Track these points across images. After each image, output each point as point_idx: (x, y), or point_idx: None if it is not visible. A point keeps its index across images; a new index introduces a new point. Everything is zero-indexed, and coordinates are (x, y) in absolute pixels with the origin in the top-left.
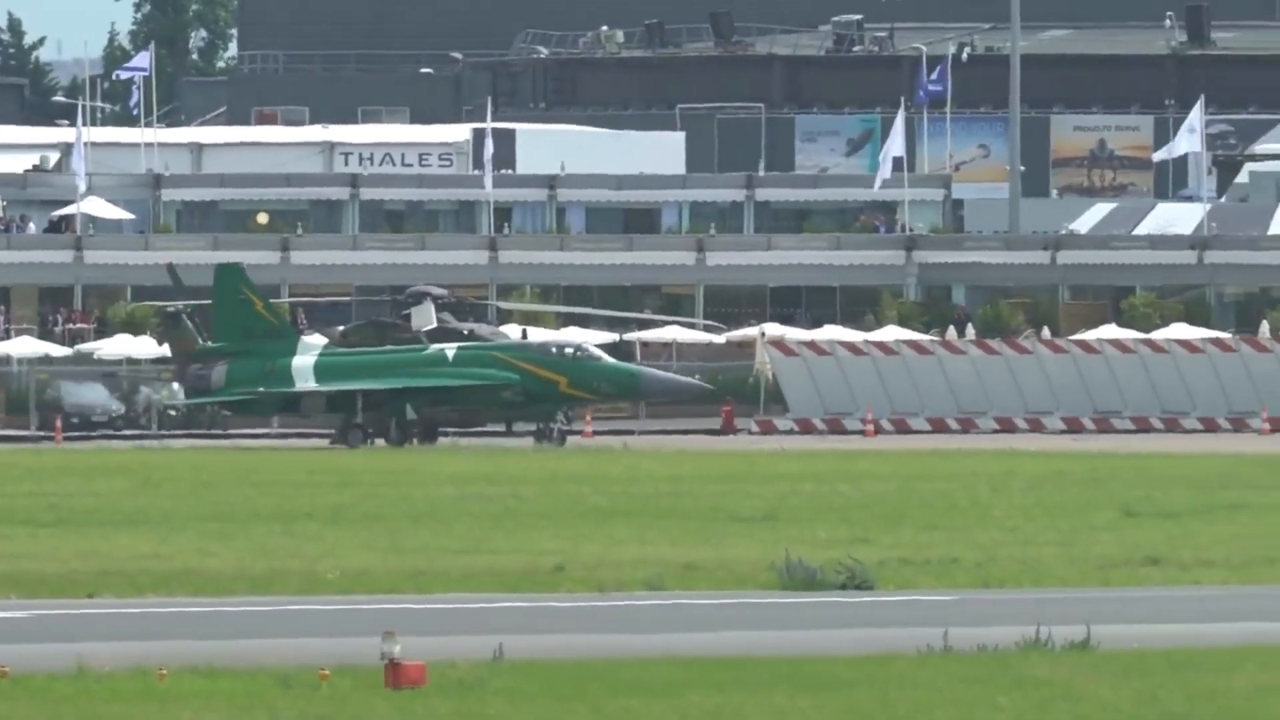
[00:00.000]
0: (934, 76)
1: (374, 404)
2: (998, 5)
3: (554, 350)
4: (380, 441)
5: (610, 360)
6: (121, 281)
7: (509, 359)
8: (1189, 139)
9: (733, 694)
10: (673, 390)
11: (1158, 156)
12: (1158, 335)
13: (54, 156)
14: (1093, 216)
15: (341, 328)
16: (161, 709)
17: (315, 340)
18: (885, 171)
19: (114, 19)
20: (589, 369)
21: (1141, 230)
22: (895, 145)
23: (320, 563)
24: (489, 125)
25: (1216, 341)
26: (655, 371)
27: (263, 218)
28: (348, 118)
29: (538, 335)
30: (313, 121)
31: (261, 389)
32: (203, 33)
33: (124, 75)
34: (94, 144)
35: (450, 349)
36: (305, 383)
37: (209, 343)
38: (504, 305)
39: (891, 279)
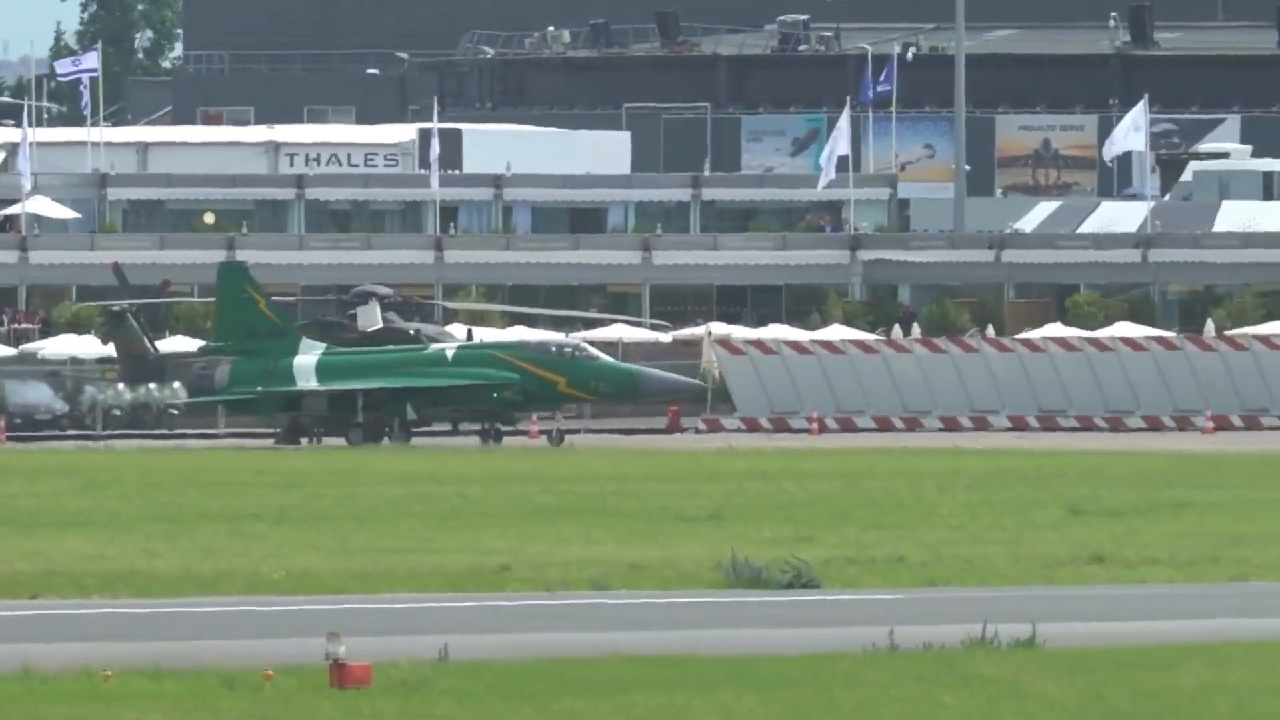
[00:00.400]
0: (882, 77)
1: (374, 404)
2: (943, 5)
3: (553, 350)
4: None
5: (608, 360)
6: (67, 281)
7: (508, 359)
8: (1133, 137)
9: (678, 693)
10: (671, 390)
11: (1108, 155)
12: (1102, 334)
13: None
14: (1037, 215)
15: None
16: (106, 710)
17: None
18: (829, 171)
19: (60, 18)
20: (588, 369)
21: (1086, 229)
22: (840, 145)
23: (266, 563)
24: (435, 125)
25: (1161, 340)
26: (653, 371)
27: (209, 217)
28: (293, 118)
29: (481, 335)
30: (258, 121)
31: (261, 388)
32: (149, 33)
33: (64, 72)
34: (40, 143)
35: (450, 348)
36: (307, 382)
37: (155, 344)
38: (450, 305)
39: (837, 278)
